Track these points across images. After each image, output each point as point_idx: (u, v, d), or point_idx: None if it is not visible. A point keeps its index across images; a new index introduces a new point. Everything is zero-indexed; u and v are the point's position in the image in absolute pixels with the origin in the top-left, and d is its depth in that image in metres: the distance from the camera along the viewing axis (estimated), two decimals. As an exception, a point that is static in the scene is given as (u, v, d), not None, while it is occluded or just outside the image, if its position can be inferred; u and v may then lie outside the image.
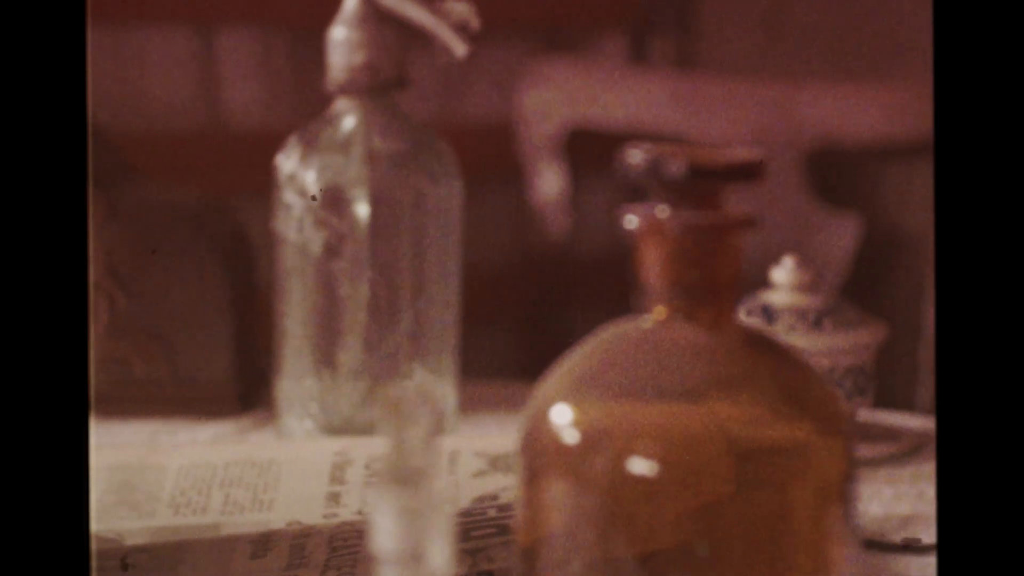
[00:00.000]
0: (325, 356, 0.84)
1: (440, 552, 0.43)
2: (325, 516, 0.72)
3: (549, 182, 1.50)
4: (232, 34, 1.34)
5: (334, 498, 0.74)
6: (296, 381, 0.85)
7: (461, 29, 0.83)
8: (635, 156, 0.46)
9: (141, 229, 0.97)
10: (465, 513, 0.68)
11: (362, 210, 0.83)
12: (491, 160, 1.48)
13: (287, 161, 0.84)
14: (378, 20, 0.84)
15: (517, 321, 1.58)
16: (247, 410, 0.98)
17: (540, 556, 0.47)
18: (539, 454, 0.46)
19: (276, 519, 0.73)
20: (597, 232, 1.52)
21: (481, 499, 0.72)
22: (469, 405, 0.89)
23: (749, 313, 0.85)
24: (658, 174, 0.46)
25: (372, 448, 0.78)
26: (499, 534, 0.65)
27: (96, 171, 0.98)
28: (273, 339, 0.86)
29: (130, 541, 0.72)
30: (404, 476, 0.43)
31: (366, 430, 0.84)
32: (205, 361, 0.98)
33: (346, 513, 0.72)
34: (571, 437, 0.46)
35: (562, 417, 0.46)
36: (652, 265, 0.48)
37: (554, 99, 1.48)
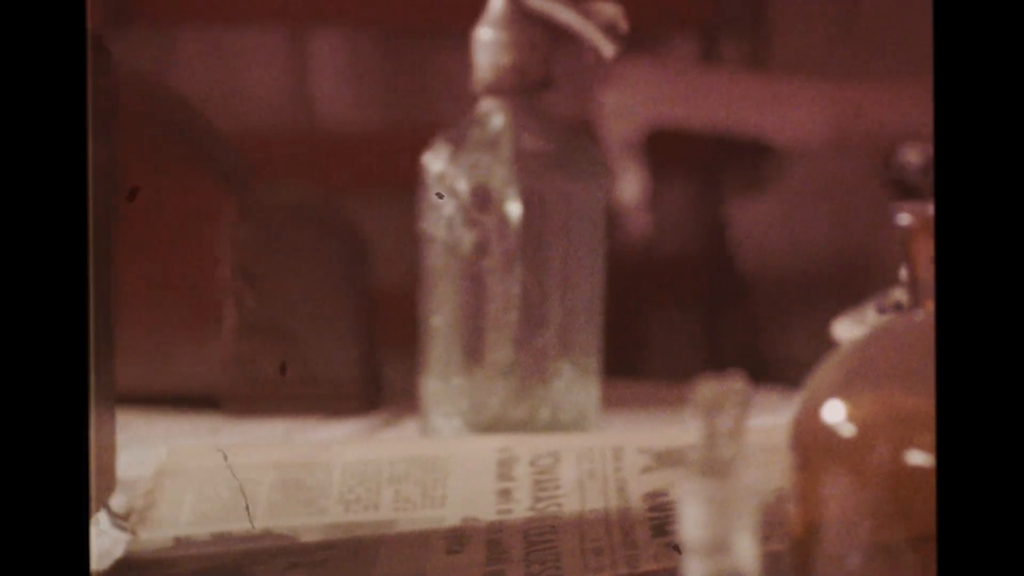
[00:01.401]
0: (474, 354, 0.85)
1: (746, 544, 0.43)
2: (499, 512, 0.73)
3: (629, 182, 1.51)
4: (323, 34, 1.35)
5: (505, 494, 0.74)
6: (443, 379, 0.85)
7: (609, 29, 0.84)
8: (910, 154, 0.47)
9: (269, 229, 0.98)
10: (656, 508, 0.69)
11: (513, 209, 0.83)
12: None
13: (435, 161, 0.85)
14: (525, 21, 0.84)
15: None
16: (373, 409, 0.99)
17: (815, 547, 0.47)
18: (813, 448, 0.47)
19: (449, 515, 0.73)
20: (676, 232, 1.53)
21: (652, 495, 0.73)
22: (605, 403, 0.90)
23: (883, 311, 0.85)
24: (932, 171, 0.47)
25: (535, 445, 0.78)
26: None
27: (224, 172, 0.99)
28: (419, 338, 0.87)
29: (304, 538, 0.73)
30: (713, 467, 0.43)
31: (516, 427, 0.85)
32: (332, 360, 0.98)
33: (519, 509, 0.73)
34: (847, 431, 0.47)
35: (836, 411, 0.47)
36: (924, 261, 0.49)
37: (633, 100, 1.48)
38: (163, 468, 0.79)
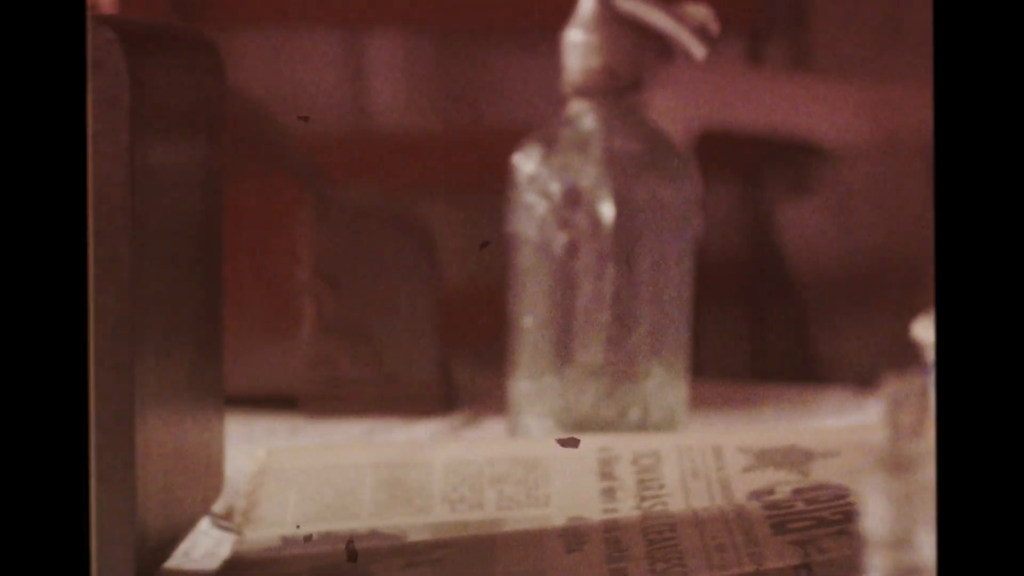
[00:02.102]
0: (564, 354, 0.85)
1: (928, 539, 0.44)
2: (605, 511, 0.73)
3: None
4: (380, 36, 1.35)
5: (609, 493, 0.75)
6: (534, 380, 0.86)
7: (700, 32, 0.84)
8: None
9: (347, 231, 0.98)
10: (771, 506, 0.69)
11: (606, 210, 0.84)
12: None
13: (527, 162, 0.85)
14: (615, 22, 0.85)
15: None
16: (450, 410, 0.99)
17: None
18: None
19: (555, 515, 0.74)
20: (727, 234, 1.53)
21: (757, 493, 0.73)
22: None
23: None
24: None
25: (634, 444, 0.79)
26: (820, 526, 0.66)
27: (303, 174, 0.99)
28: (510, 338, 0.87)
29: (412, 537, 0.73)
30: (897, 462, 0.44)
31: (606, 427, 0.85)
32: (410, 360, 0.99)
33: (625, 508, 0.73)
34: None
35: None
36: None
37: (681, 103, 1.49)
38: (263, 468, 0.79)
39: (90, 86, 0.59)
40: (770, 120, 1.48)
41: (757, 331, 1.54)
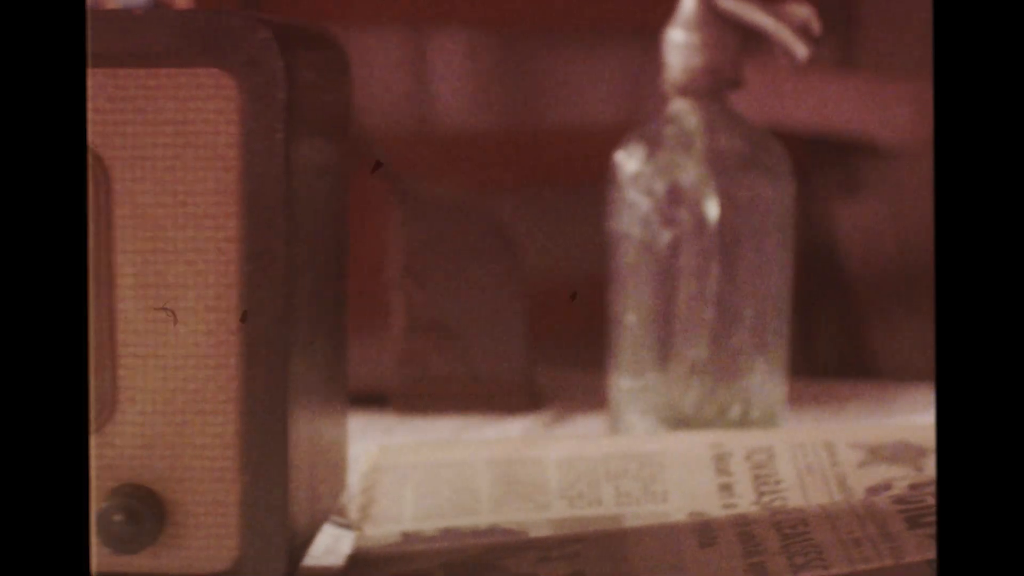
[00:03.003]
0: (668, 352, 0.86)
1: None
2: (724, 506, 0.74)
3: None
4: (442, 36, 1.36)
5: (726, 488, 0.75)
6: (636, 377, 0.86)
7: (802, 31, 0.85)
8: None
9: (437, 229, 0.99)
10: (900, 501, 0.69)
11: (710, 208, 0.84)
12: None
13: (630, 160, 0.86)
14: (717, 22, 0.85)
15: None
16: (538, 407, 1.00)
17: None
18: None
19: (674, 510, 0.74)
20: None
21: (875, 489, 0.74)
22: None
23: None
24: None
25: (746, 440, 0.79)
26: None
27: (390, 173, 1.00)
28: (611, 335, 0.88)
29: (533, 533, 0.73)
30: None
31: (707, 424, 0.86)
32: (499, 358, 0.99)
33: (744, 504, 0.74)
34: None
35: None
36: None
37: (742, 103, 1.49)
38: (376, 465, 0.80)
39: (246, 84, 0.59)
40: (821, 119, 1.48)
41: (811, 330, 1.54)
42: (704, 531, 0.70)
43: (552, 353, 1.09)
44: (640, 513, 0.74)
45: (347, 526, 0.75)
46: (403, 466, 0.79)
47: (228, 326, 0.61)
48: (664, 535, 0.70)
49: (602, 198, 0.88)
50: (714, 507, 0.74)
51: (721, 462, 0.78)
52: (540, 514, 0.75)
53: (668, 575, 0.67)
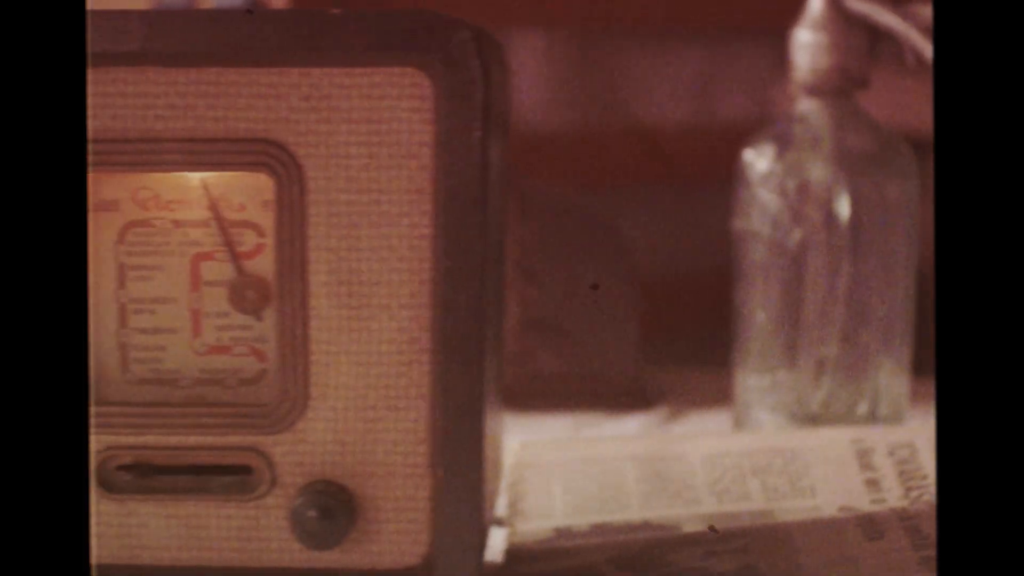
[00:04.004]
0: (797, 349, 0.86)
1: None
2: (872, 501, 0.75)
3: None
4: (521, 36, 1.36)
5: (872, 484, 0.76)
6: (765, 374, 0.87)
7: (929, 32, 0.85)
8: None
9: (549, 227, 1.00)
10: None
11: (842, 207, 0.85)
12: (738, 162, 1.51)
13: (760, 159, 0.86)
14: (844, 23, 0.86)
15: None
16: (652, 404, 1.00)
17: None
18: None
19: (824, 505, 0.75)
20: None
21: None
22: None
23: None
24: None
25: (888, 436, 0.80)
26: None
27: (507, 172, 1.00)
28: (739, 333, 0.88)
29: (686, 528, 0.74)
30: None
31: (835, 420, 0.86)
32: (611, 355, 1.00)
33: (892, 499, 0.75)
34: None
35: None
36: None
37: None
38: (520, 461, 0.80)
39: (443, 83, 0.60)
40: (890, 118, 1.49)
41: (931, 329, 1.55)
42: (867, 525, 0.70)
43: (662, 350, 1.10)
44: (789, 508, 0.75)
45: (498, 522, 0.76)
46: (548, 463, 0.80)
47: (421, 323, 0.61)
48: (828, 529, 0.71)
49: (709, 196, 0.89)
50: (863, 502, 0.74)
51: (864, 457, 0.78)
52: (690, 509, 0.75)
53: (840, 568, 0.67)
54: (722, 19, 1.42)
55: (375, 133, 0.61)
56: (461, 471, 0.62)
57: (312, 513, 0.62)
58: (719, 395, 0.98)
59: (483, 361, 0.62)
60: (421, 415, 0.62)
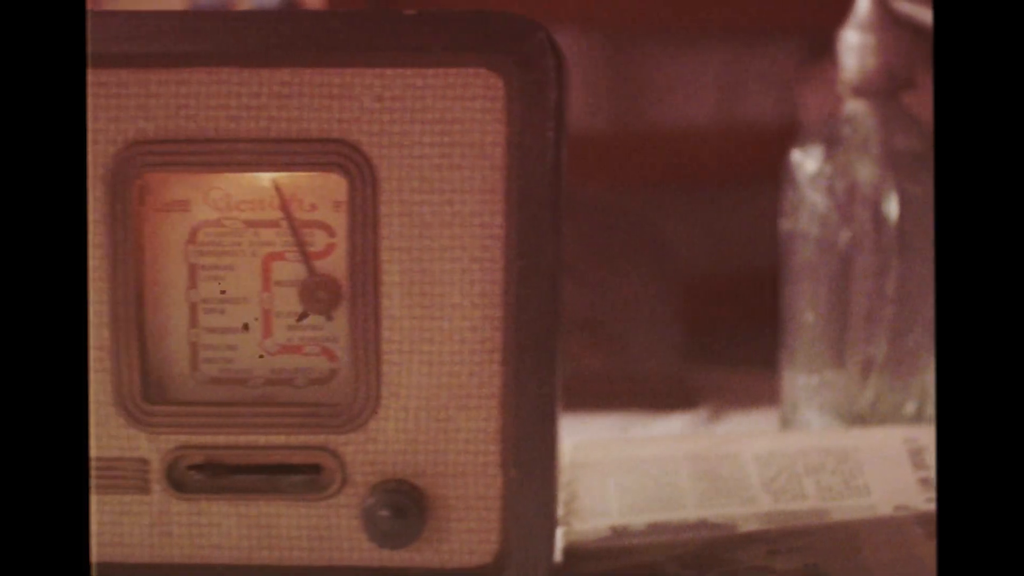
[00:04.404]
0: (845, 349, 0.87)
1: None
2: (927, 500, 0.75)
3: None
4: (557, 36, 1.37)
5: (926, 483, 0.76)
6: (814, 374, 0.87)
7: (978, 32, 0.86)
8: None
9: (592, 227, 1.00)
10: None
11: (890, 207, 0.85)
12: (767, 162, 1.51)
13: (808, 160, 0.87)
14: (892, 24, 0.86)
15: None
16: (694, 404, 1.01)
17: None
18: None
19: (879, 503, 0.75)
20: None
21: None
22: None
23: None
24: None
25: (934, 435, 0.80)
26: None
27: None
28: (787, 333, 0.89)
29: (743, 527, 0.74)
30: None
31: (883, 420, 0.87)
32: (654, 356, 1.00)
33: (948, 497, 0.75)
34: None
35: None
36: None
37: (833, 100, 1.50)
38: (574, 460, 0.81)
39: (516, 84, 0.60)
40: (923, 116, 1.49)
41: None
42: (927, 524, 0.71)
43: (704, 350, 1.10)
44: (844, 507, 0.75)
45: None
46: (602, 462, 0.80)
47: (493, 322, 0.62)
48: (889, 528, 0.71)
49: (749, 196, 0.89)
50: (918, 501, 0.75)
51: (917, 456, 0.79)
52: (746, 508, 0.76)
53: (906, 567, 0.68)
54: (748, 19, 1.43)
55: (448, 133, 0.61)
56: (534, 470, 0.62)
57: (385, 512, 0.62)
58: (760, 395, 0.98)
59: (556, 360, 0.62)
60: (492, 414, 0.62)
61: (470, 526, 0.63)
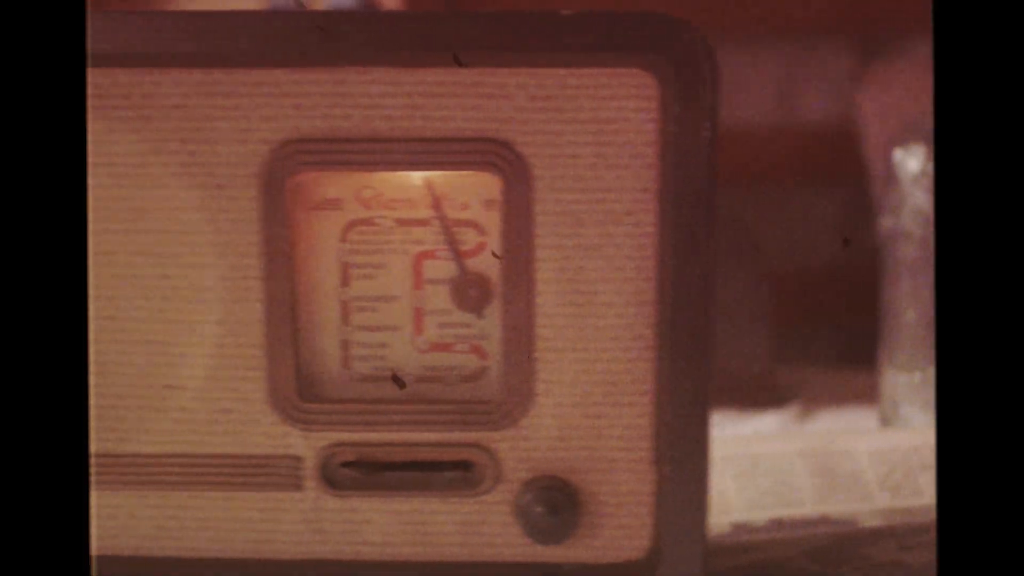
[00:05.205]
0: (946, 346, 0.87)
1: None
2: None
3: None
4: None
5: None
6: (915, 372, 0.88)
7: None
8: None
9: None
10: None
11: (993, 205, 0.86)
12: (825, 163, 1.52)
13: (910, 159, 0.87)
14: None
15: (838, 317, 1.61)
16: (785, 401, 1.01)
17: None
18: None
19: (997, 500, 0.76)
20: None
21: None
22: None
23: None
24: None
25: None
26: None
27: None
28: (887, 332, 0.89)
29: (863, 523, 0.75)
30: None
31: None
32: (744, 354, 1.01)
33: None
34: None
35: None
36: None
37: (892, 101, 1.51)
38: (688, 458, 0.81)
39: (671, 84, 0.61)
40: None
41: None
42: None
43: (792, 348, 1.11)
44: (964, 503, 0.76)
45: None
46: (717, 459, 0.81)
47: (645, 319, 0.62)
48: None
49: (835, 194, 0.89)
50: (1038, 497, 0.75)
51: (1031, 453, 0.79)
52: (866, 505, 0.76)
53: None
54: (804, 19, 1.43)
55: (601, 133, 0.61)
56: (686, 466, 0.63)
57: (540, 508, 0.62)
58: (847, 393, 0.99)
59: (709, 357, 0.62)
60: (645, 410, 0.63)
61: (622, 522, 0.63)
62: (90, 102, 0.61)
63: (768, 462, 0.80)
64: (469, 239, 0.63)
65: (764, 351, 1.01)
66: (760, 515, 0.76)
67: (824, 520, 0.75)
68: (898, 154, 0.88)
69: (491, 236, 0.63)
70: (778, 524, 0.75)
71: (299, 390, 0.63)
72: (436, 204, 0.63)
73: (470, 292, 0.63)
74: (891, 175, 0.88)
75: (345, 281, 0.63)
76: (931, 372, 0.87)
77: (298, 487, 0.63)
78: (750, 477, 0.79)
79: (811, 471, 0.79)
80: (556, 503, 0.62)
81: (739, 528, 0.75)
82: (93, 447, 0.64)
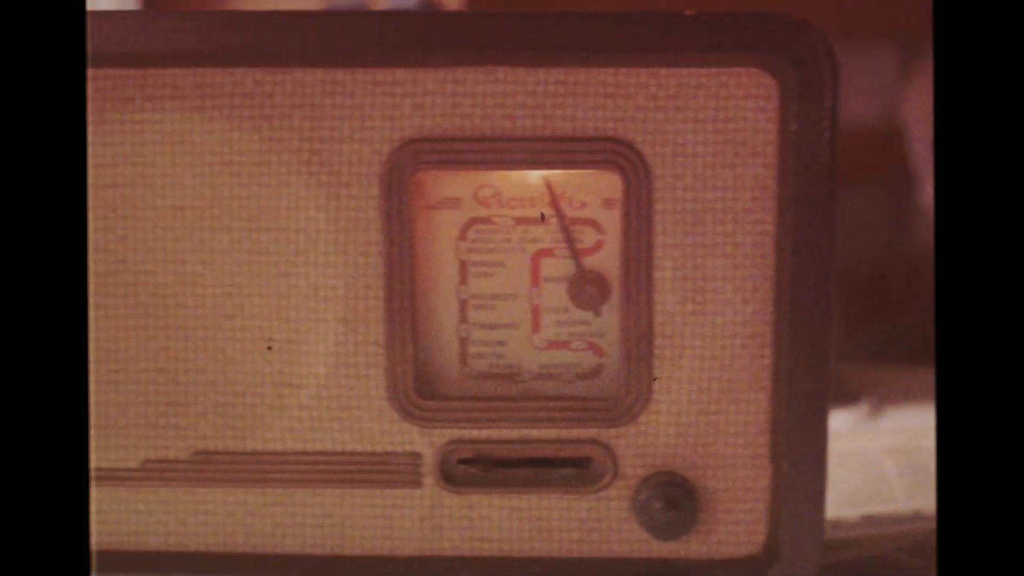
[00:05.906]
0: None
1: None
2: None
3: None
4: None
5: None
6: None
7: None
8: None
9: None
10: None
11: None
12: (870, 162, 1.52)
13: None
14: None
15: (885, 317, 1.62)
16: (852, 400, 1.02)
17: None
18: None
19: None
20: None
21: None
22: None
23: None
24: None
25: None
26: None
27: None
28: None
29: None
30: None
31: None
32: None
33: None
34: None
35: None
36: None
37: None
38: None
39: (791, 84, 0.61)
40: None
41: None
42: None
43: (861, 346, 1.11)
44: None
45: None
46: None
47: (763, 317, 0.63)
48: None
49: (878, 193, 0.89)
50: None
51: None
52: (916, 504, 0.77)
53: None
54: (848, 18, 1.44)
55: (720, 132, 0.62)
56: (804, 462, 0.63)
57: (659, 504, 0.63)
58: (916, 391, 0.99)
59: (828, 355, 0.63)
60: (762, 407, 0.63)
61: (739, 517, 0.64)
62: (97, 103, 0.61)
63: (856, 459, 0.81)
64: (587, 237, 0.64)
65: (833, 348, 1.02)
66: (852, 512, 0.76)
67: (916, 516, 0.76)
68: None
69: (609, 234, 0.63)
70: (872, 520, 0.75)
71: (418, 387, 0.63)
72: (555, 203, 0.63)
73: (587, 290, 0.64)
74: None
75: (463, 279, 0.64)
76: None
77: (417, 484, 0.64)
78: (839, 474, 0.80)
79: (900, 469, 0.80)
80: (674, 499, 0.63)
81: (832, 525, 0.75)
82: (198, 445, 0.64)
